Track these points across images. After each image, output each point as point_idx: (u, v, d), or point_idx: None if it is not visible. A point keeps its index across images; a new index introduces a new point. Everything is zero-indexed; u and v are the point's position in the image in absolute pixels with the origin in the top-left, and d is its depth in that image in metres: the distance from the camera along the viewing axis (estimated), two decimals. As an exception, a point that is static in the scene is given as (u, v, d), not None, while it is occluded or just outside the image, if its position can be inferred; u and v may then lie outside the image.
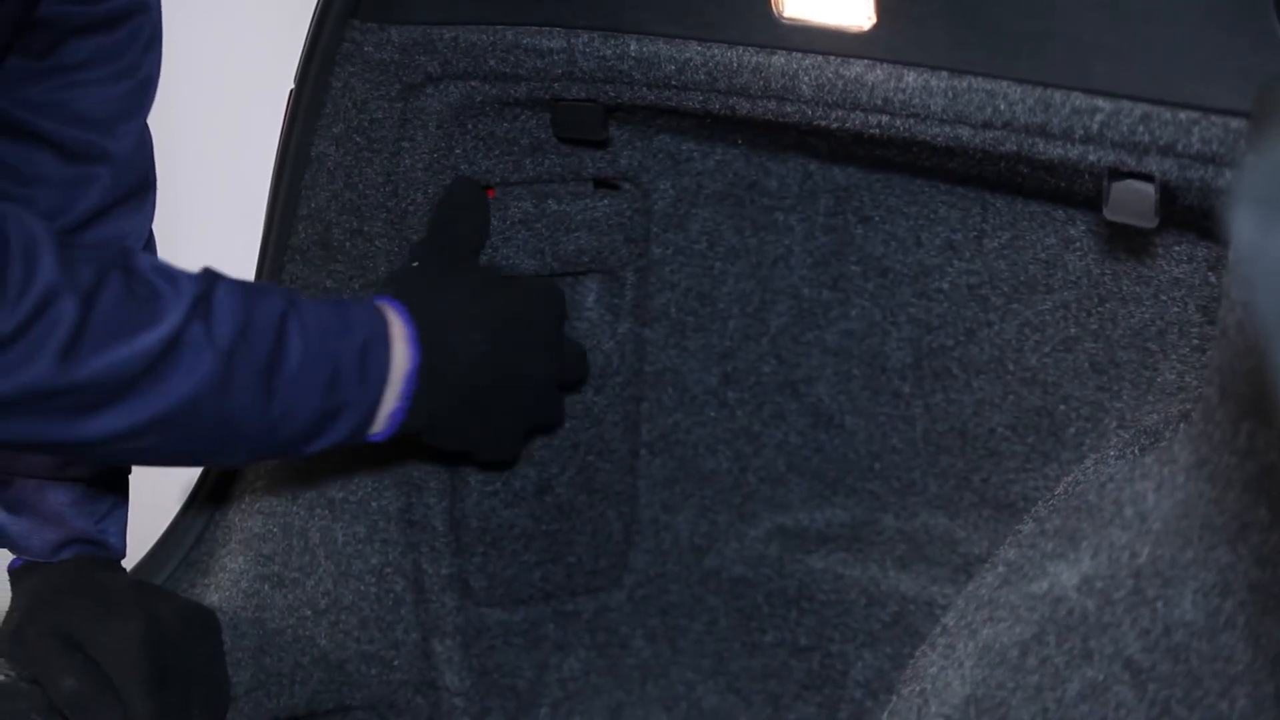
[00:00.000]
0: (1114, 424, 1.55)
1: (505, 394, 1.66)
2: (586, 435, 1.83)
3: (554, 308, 1.71)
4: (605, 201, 1.74)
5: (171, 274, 1.42)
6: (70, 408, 1.37)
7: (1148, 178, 1.31)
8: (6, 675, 1.57)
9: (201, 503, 1.77)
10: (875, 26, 1.42)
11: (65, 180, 1.61)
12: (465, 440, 1.67)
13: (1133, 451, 1.41)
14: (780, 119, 1.52)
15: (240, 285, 1.46)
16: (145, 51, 1.63)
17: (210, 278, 1.44)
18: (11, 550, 1.65)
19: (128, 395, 1.38)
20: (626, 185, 1.75)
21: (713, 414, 1.83)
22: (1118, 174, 1.33)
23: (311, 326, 1.48)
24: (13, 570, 1.65)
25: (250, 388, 1.44)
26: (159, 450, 1.45)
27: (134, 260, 1.41)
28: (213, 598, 1.68)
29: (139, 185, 1.66)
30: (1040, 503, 1.49)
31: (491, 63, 1.62)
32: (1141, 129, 1.29)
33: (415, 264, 1.66)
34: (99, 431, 1.39)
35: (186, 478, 1.79)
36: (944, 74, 1.39)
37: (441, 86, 1.65)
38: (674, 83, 1.55)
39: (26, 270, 1.33)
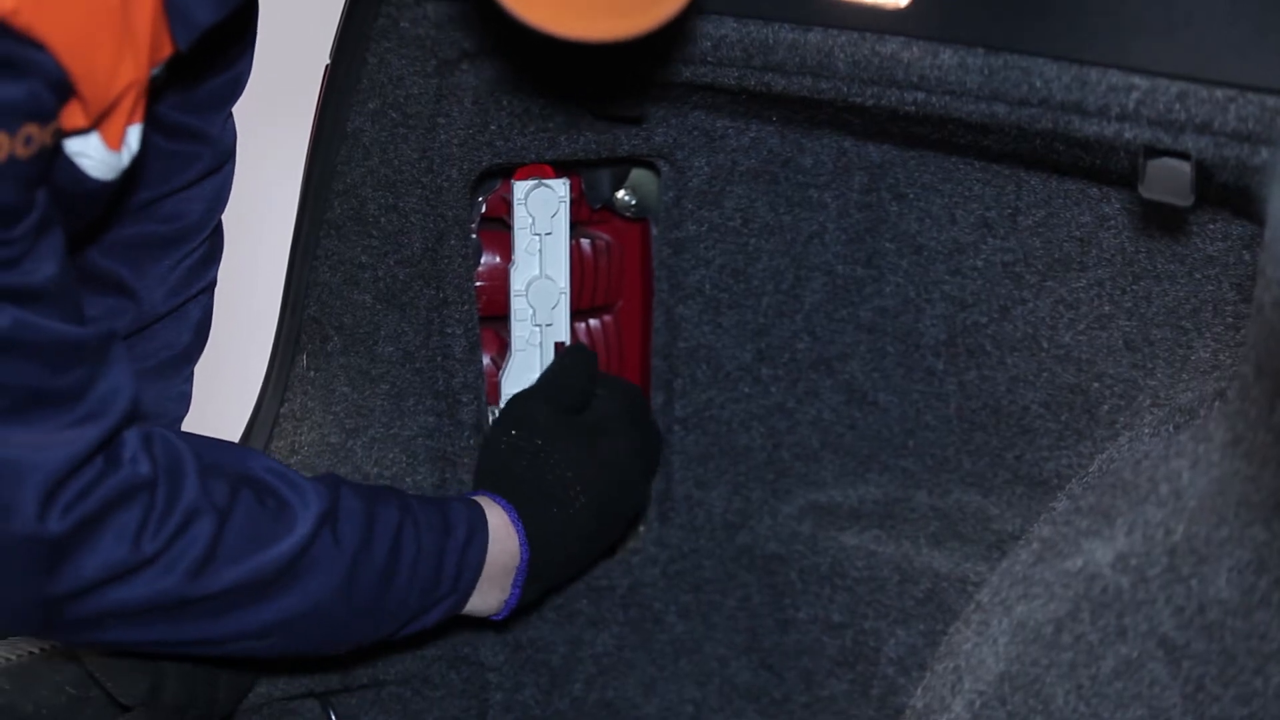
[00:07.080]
0: (1148, 402, 1.54)
1: (606, 538, 1.77)
2: None
3: (649, 443, 1.79)
4: None
5: (295, 482, 1.51)
6: (202, 613, 1.45)
7: (1183, 155, 1.31)
8: (40, 649, 1.58)
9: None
10: (911, 3, 1.42)
11: (167, 154, 1.67)
12: (568, 581, 1.83)
13: (1167, 429, 1.41)
14: (815, 95, 1.52)
15: (360, 492, 1.55)
16: (244, 50, 1.69)
17: (333, 485, 1.54)
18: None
19: (258, 600, 1.47)
20: (661, 163, 1.75)
21: (746, 390, 1.83)
22: (1153, 151, 1.32)
23: (423, 530, 1.57)
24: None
25: (370, 590, 1.53)
26: (277, 647, 1.54)
27: (256, 471, 1.50)
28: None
29: (224, 158, 1.73)
30: (1075, 480, 1.48)
31: (527, 39, 1.63)
32: (1178, 106, 1.28)
33: (514, 432, 1.71)
34: (226, 631, 1.48)
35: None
36: (980, 51, 1.39)
37: (477, 62, 1.65)
38: (710, 59, 1.55)
39: (171, 491, 1.42)
